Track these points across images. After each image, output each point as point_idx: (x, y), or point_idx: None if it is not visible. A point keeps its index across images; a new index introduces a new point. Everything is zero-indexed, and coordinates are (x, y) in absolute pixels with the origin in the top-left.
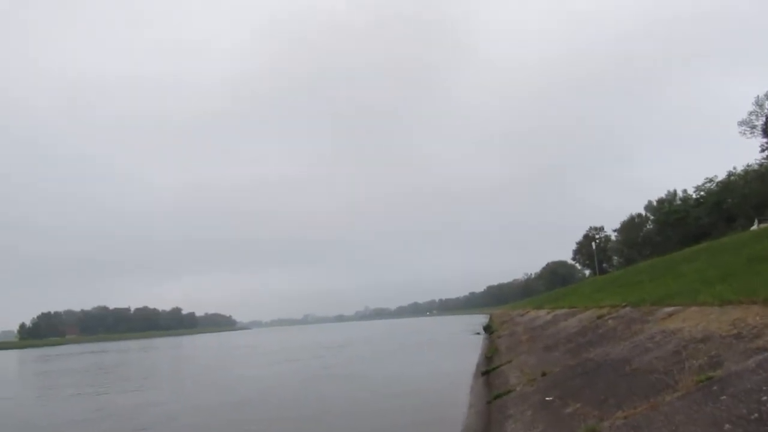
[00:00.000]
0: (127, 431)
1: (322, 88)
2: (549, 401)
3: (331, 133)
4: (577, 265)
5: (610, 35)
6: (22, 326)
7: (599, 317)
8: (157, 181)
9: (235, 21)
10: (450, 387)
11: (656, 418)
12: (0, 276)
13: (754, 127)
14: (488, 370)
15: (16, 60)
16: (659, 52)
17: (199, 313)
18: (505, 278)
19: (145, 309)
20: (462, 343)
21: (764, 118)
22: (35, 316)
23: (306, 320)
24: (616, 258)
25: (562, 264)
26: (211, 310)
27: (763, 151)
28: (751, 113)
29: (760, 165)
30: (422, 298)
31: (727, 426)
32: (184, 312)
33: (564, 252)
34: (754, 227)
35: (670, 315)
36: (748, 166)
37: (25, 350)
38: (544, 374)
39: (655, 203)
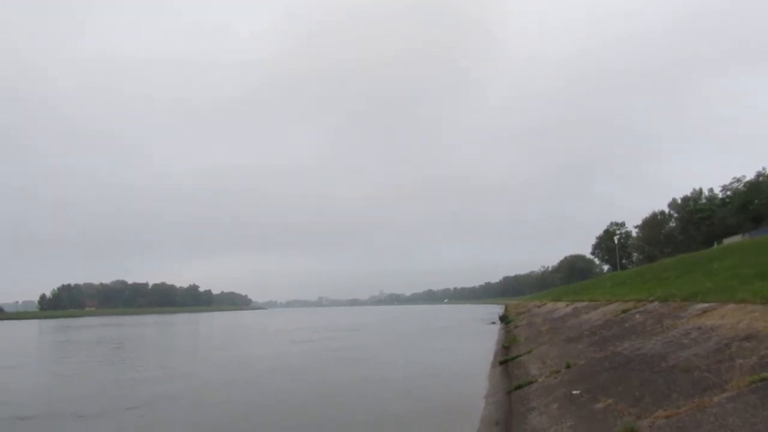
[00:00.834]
0: (120, 408)
1: (344, 76)
2: (576, 395)
3: (352, 121)
4: (596, 260)
5: (637, 33)
6: (43, 297)
7: (624, 311)
8: (181, 163)
9: (260, 5)
10: (466, 375)
11: (705, 419)
12: (24, 249)
13: None
14: (507, 359)
15: (45, 40)
16: (687, 50)
17: (215, 291)
18: (522, 270)
19: (162, 285)
20: (477, 331)
21: None
22: (55, 288)
23: (320, 303)
24: (635, 254)
25: (580, 258)
26: (228, 289)
27: None
28: None
29: None
30: (437, 286)
31: None
32: (201, 290)
33: (581, 247)
34: None
35: (704, 311)
36: None
37: (45, 321)
38: (568, 366)
39: (679, 201)
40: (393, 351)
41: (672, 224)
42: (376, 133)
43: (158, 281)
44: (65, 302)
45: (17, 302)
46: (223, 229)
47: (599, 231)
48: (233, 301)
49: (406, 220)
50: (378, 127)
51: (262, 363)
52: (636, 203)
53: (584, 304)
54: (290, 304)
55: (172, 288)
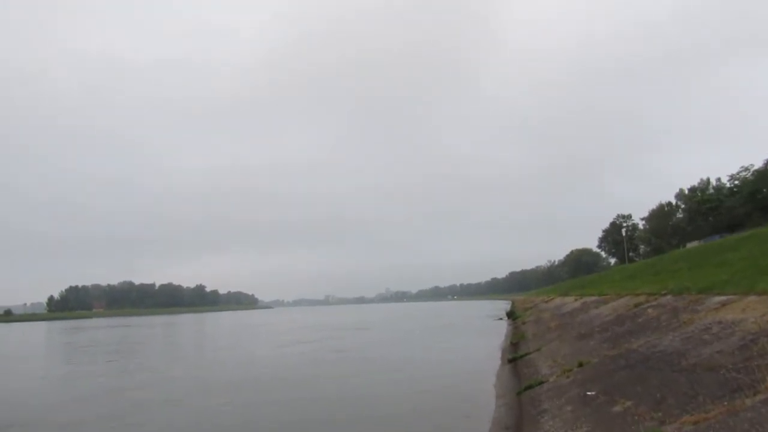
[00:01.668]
0: (115, 415)
1: (348, 73)
2: (591, 397)
3: (355, 119)
4: (603, 253)
5: (639, 23)
6: (51, 299)
7: (636, 305)
8: (185, 163)
9: (260, 5)
10: (474, 374)
11: (738, 425)
12: (31, 251)
13: None
14: (515, 357)
15: (45, 41)
16: (691, 41)
17: (222, 291)
18: (528, 265)
19: (169, 285)
20: (484, 328)
21: None
22: (63, 290)
23: (327, 301)
24: (643, 247)
25: (586, 252)
26: (235, 289)
27: None
28: None
29: None
30: (443, 283)
31: None
32: (207, 290)
33: (587, 241)
34: None
35: (723, 304)
36: None
37: (53, 322)
38: (581, 365)
39: (687, 191)
40: (400, 350)
41: (679, 215)
42: (377, 131)
43: (165, 282)
44: (73, 303)
45: (25, 304)
46: (229, 229)
47: (605, 224)
48: (240, 301)
49: (411, 217)
50: (383, 124)
51: (266, 363)
52: (642, 195)
53: (593, 298)
54: (297, 303)
55: (178, 288)
